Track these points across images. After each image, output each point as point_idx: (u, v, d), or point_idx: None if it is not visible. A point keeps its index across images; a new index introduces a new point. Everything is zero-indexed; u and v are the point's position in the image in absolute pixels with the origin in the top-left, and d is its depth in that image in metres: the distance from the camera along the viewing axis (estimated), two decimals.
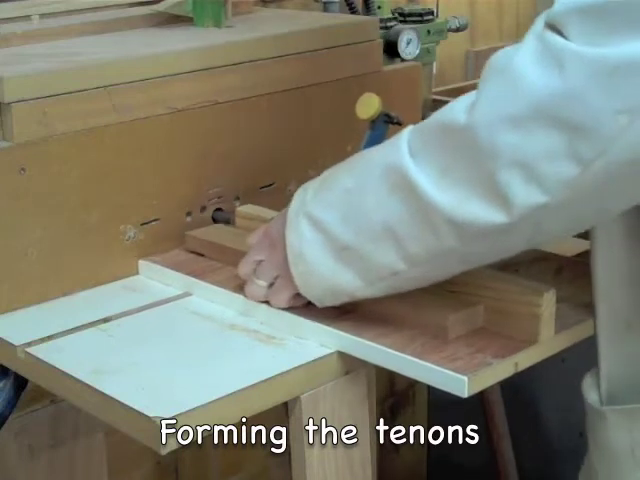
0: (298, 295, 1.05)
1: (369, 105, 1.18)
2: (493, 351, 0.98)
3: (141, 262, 1.22)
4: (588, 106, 0.81)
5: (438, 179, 0.89)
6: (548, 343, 1.00)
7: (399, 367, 0.99)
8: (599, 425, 1.02)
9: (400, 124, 1.20)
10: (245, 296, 1.09)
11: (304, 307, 1.06)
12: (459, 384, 0.94)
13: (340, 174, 0.99)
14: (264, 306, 1.08)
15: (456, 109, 0.88)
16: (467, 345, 0.99)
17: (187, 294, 1.17)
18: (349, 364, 1.03)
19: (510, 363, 0.98)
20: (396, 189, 0.92)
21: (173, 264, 1.21)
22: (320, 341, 1.04)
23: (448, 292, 1.03)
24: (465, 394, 0.94)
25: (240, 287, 1.11)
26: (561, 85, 0.81)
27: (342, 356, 1.03)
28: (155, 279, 1.20)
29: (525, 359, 0.99)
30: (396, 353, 0.98)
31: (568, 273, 1.13)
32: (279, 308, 1.07)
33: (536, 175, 0.84)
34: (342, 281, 0.99)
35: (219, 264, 1.18)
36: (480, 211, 0.87)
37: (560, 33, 0.82)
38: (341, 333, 1.02)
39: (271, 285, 1.06)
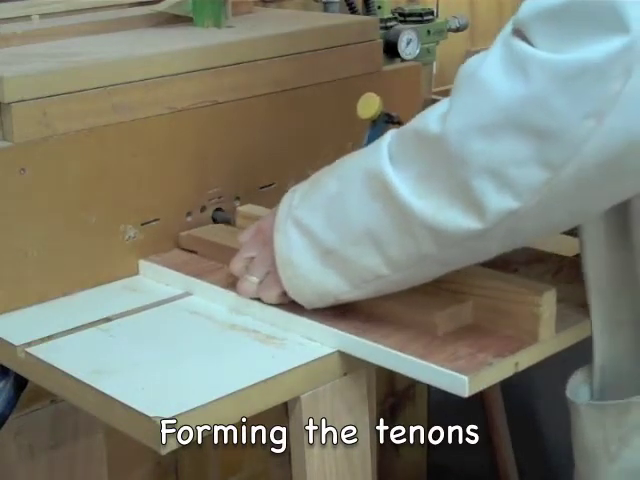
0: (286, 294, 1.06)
1: (370, 105, 1.18)
2: (494, 351, 0.98)
3: (141, 262, 1.22)
4: (554, 111, 0.82)
5: (416, 186, 0.90)
6: (548, 343, 1.00)
7: (400, 367, 0.99)
8: (576, 421, 1.04)
9: (400, 124, 1.20)
10: (237, 293, 1.09)
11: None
12: (460, 384, 0.94)
13: (326, 178, 1.01)
14: (267, 306, 1.08)
15: (430, 118, 0.89)
16: (468, 345, 0.99)
17: (187, 294, 1.17)
18: (349, 364, 1.03)
19: (511, 363, 0.98)
20: (376, 194, 0.93)
21: (173, 264, 1.21)
22: (321, 341, 1.04)
23: (446, 291, 1.03)
24: (466, 394, 0.94)
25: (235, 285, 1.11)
26: (526, 91, 0.82)
27: (342, 356, 1.03)
28: (155, 279, 1.20)
29: (526, 359, 0.99)
30: (397, 353, 0.98)
31: (568, 273, 1.13)
32: (274, 305, 1.07)
33: (507, 182, 0.85)
34: (328, 284, 1.00)
35: (219, 264, 1.18)
36: (456, 218, 0.88)
37: (525, 38, 0.84)
38: (342, 333, 1.02)
39: (261, 281, 1.07)
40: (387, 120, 1.20)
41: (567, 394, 1.04)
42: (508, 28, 0.86)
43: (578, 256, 1.08)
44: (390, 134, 0.95)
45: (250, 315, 1.09)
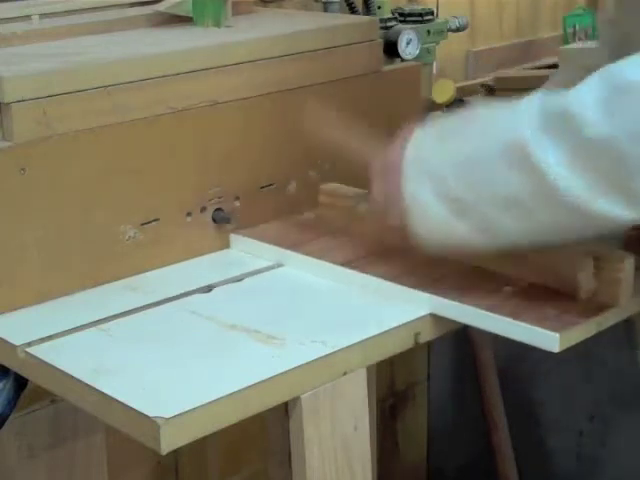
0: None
1: (445, 90, 1.22)
2: (578, 313, 1.05)
3: (233, 235, 1.28)
4: None
5: (566, 166, 0.93)
6: (627, 305, 1.08)
7: (494, 327, 1.06)
8: None
9: None
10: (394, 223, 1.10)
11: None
12: (552, 341, 1.02)
13: (458, 136, 1.03)
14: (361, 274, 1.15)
15: (591, 116, 0.91)
16: (553, 307, 1.06)
17: (279, 264, 1.23)
18: (349, 364, 1.03)
19: (594, 323, 1.06)
20: (522, 165, 0.96)
21: (265, 237, 1.27)
22: (414, 304, 1.10)
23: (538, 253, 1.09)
24: (557, 349, 1.02)
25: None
26: None
27: (342, 354, 1.03)
28: (246, 251, 1.27)
29: (606, 320, 1.07)
30: (490, 314, 1.06)
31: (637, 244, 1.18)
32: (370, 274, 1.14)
33: None
34: (458, 232, 1.04)
35: (310, 236, 1.25)
36: (613, 208, 0.93)
37: None
38: (436, 297, 1.09)
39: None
40: (460, 105, 1.23)
41: None
42: None
43: None
44: (531, 105, 0.97)
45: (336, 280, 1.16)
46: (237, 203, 1.31)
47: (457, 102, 1.22)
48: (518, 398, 2.04)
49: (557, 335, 1.02)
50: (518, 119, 0.97)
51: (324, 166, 1.40)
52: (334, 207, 1.28)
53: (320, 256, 1.20)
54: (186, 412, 0.92)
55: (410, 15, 1.82)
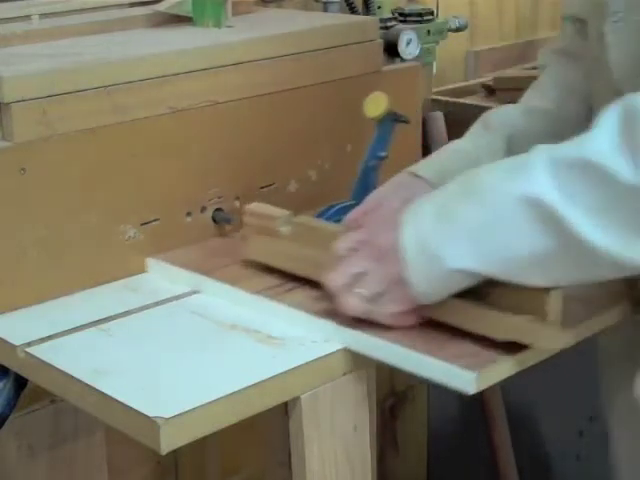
0: (404, 314, 1.02)
1: (377, 104, 1.18)
2: (500, 348, 0.98)
3: (149, 260, 1.22)
4: None
5: (591, 217, 0.88)
6: (554, 341, 0.99)
7: (407, 364, 0.99)
8: None
9: (407, 122, 1.20)
10: (340, 308, 1.02)
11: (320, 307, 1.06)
12: (467, 381, 0.94)
13: (462, 205, 0.95)
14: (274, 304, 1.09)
15: (614, 160, 0.87)
16: (472, 342, 0.99)
17: (194, 292, 1.17)
18: (349, 364, 1.03)
19: (517, 360, 0.98)
20: (541, 222, 0.90)
21: (181, 262, 1.21)
22: (325, 337, 1.04)
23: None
24: (473, 391, 0.94)
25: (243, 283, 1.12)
26: None
27: (343, 355, 1.03)
28: (164, 277, 1.20)
29: (532, 356, 0.99)
30: (404, 350, 0.98)
31: None
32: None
33: None
34: None
35: (227, 261, 1.18)
36: None
37: None
38: (348, 330, 1.02)
39: (372, 299, 1.01)
40: (394, 119, 1.20)
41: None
42: None
43: None
44: (540, 157, 0.91)
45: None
46: (237, 203, 1.31)
47: (391, 116, 1.18)
48: (518, 398, 2.04)
49: (473, 375, 0.94)
50: (531, 177, 0.90)
51: (324, 166, 1.40)
52: (258, 228, 1.18)
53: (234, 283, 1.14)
54: (186, 412, 0.92)
55: (410, 15, 1.82)
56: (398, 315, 1.01)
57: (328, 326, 1.04)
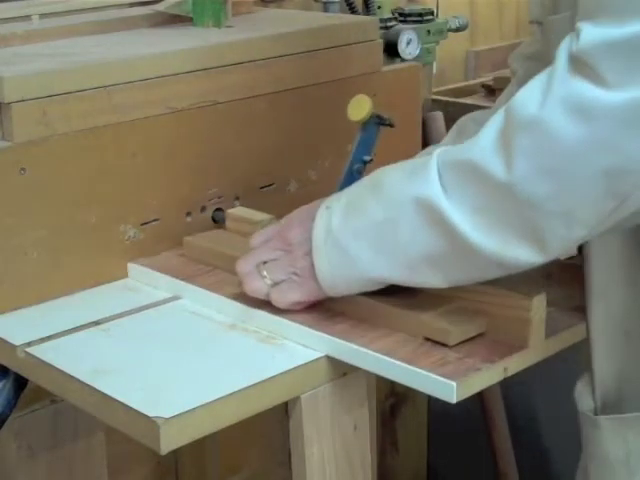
0: (301, 304, 1.05)
1: (360, 107, 1.17)
2: (482, 356, 0.97)
3: (130, 265, 1.21)
4: (623, 153, 0.82)
5: (473, 218, 0.90)
6: (538, 348, 0.99)
7: (387, 372, 0.98)
8: (593, 434, 1.01)
9: (392, 126, 1.20)
10: (246, 290, 1.07)
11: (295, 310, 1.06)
12: (448, 390, 0.93)
13: (368, 202, 0.98)
14: (254, 309, 1.07)
15: (489, 156, 0.88)
16: (456, 350, 0.98)
17: (176, 298, 1.16)
18: (349, 364, 1.03)
19: (499, 368, 0.97)
20: (432, 224, 0.92)
21: (163, 267, 1.19)
22: (309, 345, 1.03)
23: (436, 297, 1.02)
24: (454, 400, 0.93)
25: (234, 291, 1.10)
26: (593, 136, 0.82)
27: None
28: (144, 282, 1.19)
29: (515, 364, 0.98)
30: (385, 358, 0.98)
31: (558, 277, 1.11)
32: (274, 311, 1.06)
33: (577, 220, 0.86)
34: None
35: (208, 267, 1.18)
36: (522, 254, 0.90)
37: (586, 69, 0.82)
38: (330, 337, 1.01)
39: (275, 285, 1.05)
40: (378, 122, 1.19)
41: (579, 407, 1.03)
42: (563, 58, 0.84)
43: (569, 259, 1.07)
44: (436, 160, 0.93)
45: (233, 317, 1.09)
46: (237, 203, 1.31)
47: (375, 119, 1.17)
48: (518, 398, 2.04)
49: (454, 384, 0.92)
50: (427, 179, 0.92)
51: (324, 166, 1.40)
52: (240, 232, 1.20)
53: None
54: (186, 412, 0.92)
55: (410, 15, 1.82)
56: (296, 304, 1.05)
57: (310, 334, 1.03)
